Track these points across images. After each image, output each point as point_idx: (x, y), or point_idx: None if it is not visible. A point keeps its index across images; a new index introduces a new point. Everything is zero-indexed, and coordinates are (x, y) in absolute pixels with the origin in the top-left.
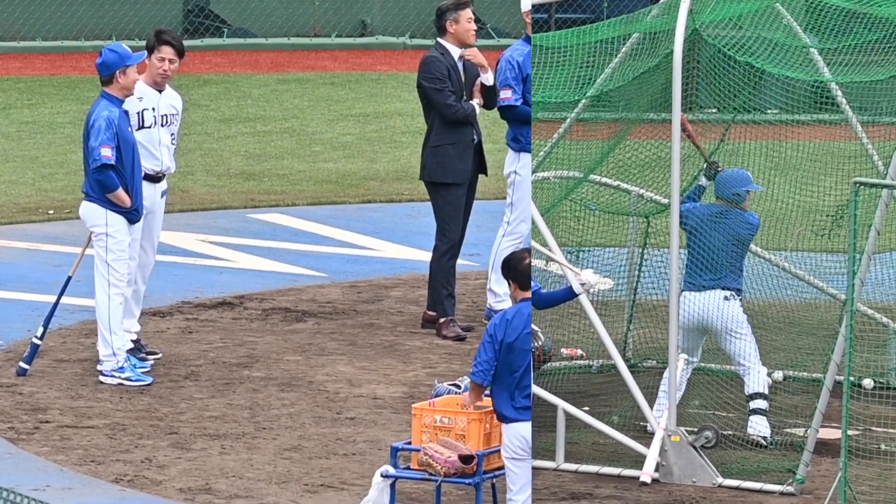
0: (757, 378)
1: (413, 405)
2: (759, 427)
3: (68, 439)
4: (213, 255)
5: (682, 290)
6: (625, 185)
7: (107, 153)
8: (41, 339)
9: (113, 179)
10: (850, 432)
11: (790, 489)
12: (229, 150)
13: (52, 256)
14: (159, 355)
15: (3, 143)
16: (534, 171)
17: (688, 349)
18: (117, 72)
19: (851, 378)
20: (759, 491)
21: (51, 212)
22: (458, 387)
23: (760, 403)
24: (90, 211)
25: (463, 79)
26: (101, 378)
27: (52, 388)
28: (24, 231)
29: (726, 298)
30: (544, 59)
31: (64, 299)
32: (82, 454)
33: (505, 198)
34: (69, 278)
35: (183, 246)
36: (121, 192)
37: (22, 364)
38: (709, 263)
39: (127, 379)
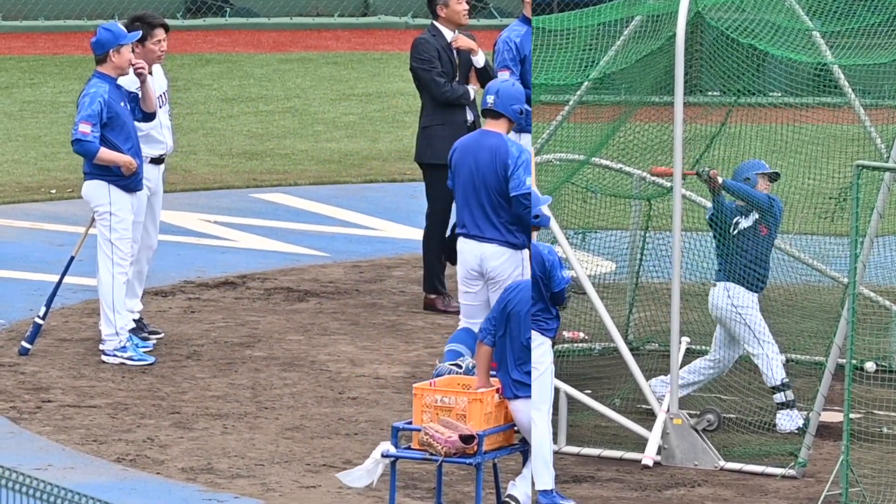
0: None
1: (414, 385)
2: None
3: (70, 419)
4: (216, 235)
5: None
6: (627, 168)
7: (85, 129)
8: (43, 318)
9: (91, 147)
10: (852, 415)
11: (792, 472)
12: (231, 130)
13: (54, 236)
14: (161, 335)
15: (6, 122)
16: (536, 154)
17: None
18: (111, 50)
19: (853, 361)
20: (761, 474)
21: (53, 191)
22: (460, 367)
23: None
24: (93, 189)
25: (457, 61)
26: (104, 357)
27: (54, 367)
28: (27, 210)
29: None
30: (547, 42)
31: (66, 279)
32: (84, 434)
33: None
34: (72, 258)
35: (185, 225)
36: (105, 151)
37: (24, 343)
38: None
39: (129, 358)
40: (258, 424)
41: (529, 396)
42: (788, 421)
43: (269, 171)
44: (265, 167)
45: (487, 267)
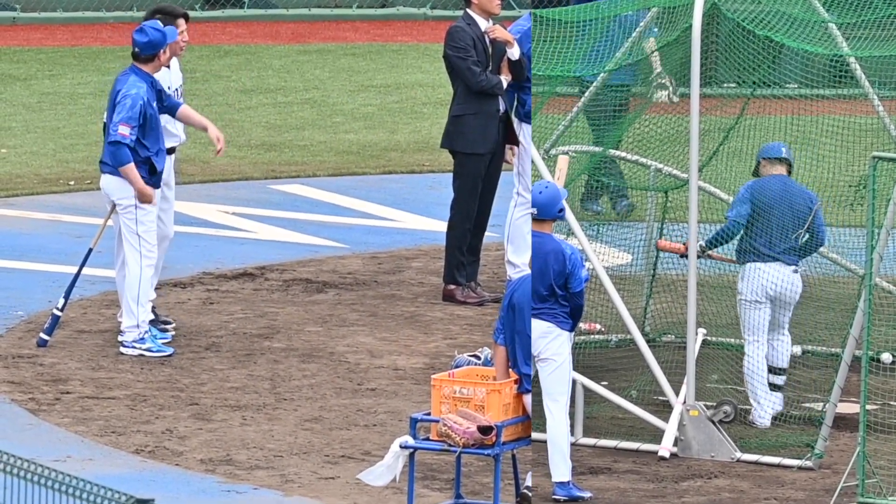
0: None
1: (433, 376)
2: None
3: (89, 410)
4: (234, 226)
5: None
6: (643, 160)
7: (124, 132)
8: (62, 310)
9: (126, 155)
10: (868, 407)
11: (808, 464)
12: (250, 121)
13: (72, 227)
14: (173, 324)
15: (25, 113)
16: (552, 146)
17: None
18: (160, 51)
19: (870, 352)
20: (778, 465)
21: (72, 183)
22: (479, 358)
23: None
24: (116, 183)
25: (490, 51)
26: (122, 349)
27: (72, 358)
28: (45, 202)
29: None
30: (563, 34)
31: (85, 270)
32: (103, 425)
33: (512, 169)
34: (90, 250)
35: (204, 217)
36: (132, 168)
37: (42, 335)
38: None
39: (148, 350)
40: (277, 416)
41: (528, 390)
42: (778, 404)
43: (287, 163)
44: (284, 158)
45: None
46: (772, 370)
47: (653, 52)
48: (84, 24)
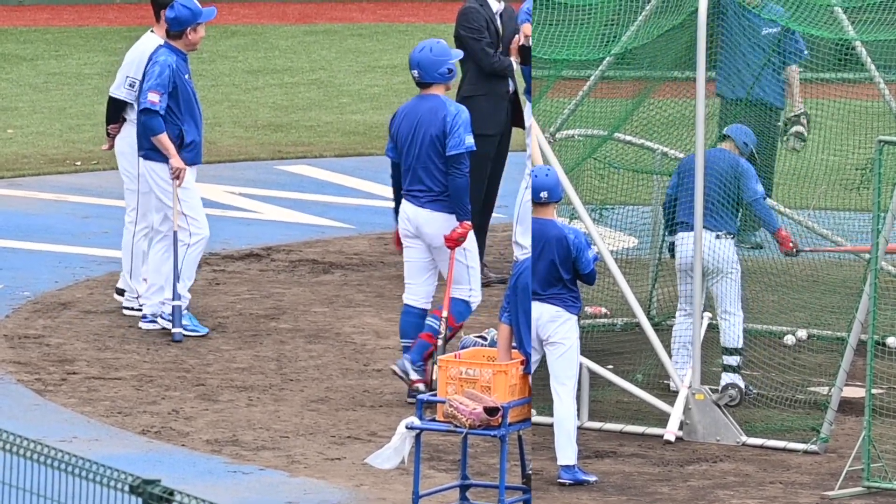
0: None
1: (439, 357)
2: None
3: (95, 391)
4: (241, 207)
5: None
6: (649, 144)
7: (153, 98)
8: (178, 298)
9: (157, 123)
10: (874, 391)
11: (814, 448)
12: (257, 102)
13: (79, 208)
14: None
15: (31, 94)
16: (558, 129)
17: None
18: (188, 28)
19: (875, 336)
20: (783, 449)
21: (78, 163)
22: (485, 339)
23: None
24: (157, 168)
25: (501, 32)
26: (142, 324)
27: (79, 339)
28: (52, 182)
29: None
30: (569, 17)
31: (90, 250)
32: (109, 406)
33: (525, 150)
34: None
35: (210, 197)
36: (164, 137)
37: (175, 330)
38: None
39: (183, 327)
40: (283, 396)
41: (528, 372)
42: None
43: (294, 143)
44: (290, 139)
45: (423, 231)
46: (722, 350)
47: (795, 84)
48: (90, 5)
